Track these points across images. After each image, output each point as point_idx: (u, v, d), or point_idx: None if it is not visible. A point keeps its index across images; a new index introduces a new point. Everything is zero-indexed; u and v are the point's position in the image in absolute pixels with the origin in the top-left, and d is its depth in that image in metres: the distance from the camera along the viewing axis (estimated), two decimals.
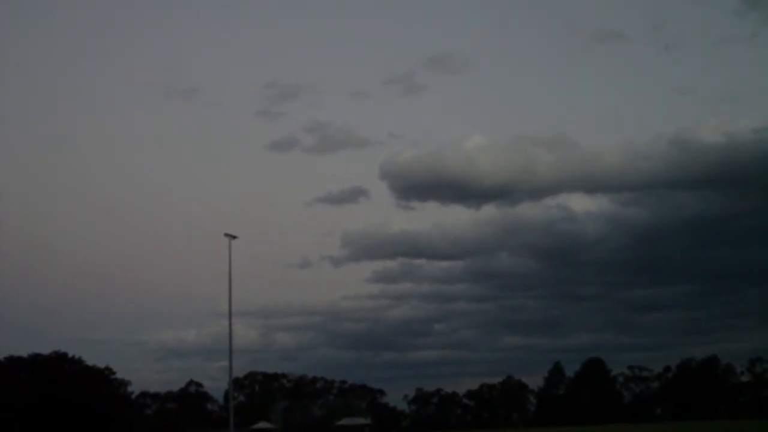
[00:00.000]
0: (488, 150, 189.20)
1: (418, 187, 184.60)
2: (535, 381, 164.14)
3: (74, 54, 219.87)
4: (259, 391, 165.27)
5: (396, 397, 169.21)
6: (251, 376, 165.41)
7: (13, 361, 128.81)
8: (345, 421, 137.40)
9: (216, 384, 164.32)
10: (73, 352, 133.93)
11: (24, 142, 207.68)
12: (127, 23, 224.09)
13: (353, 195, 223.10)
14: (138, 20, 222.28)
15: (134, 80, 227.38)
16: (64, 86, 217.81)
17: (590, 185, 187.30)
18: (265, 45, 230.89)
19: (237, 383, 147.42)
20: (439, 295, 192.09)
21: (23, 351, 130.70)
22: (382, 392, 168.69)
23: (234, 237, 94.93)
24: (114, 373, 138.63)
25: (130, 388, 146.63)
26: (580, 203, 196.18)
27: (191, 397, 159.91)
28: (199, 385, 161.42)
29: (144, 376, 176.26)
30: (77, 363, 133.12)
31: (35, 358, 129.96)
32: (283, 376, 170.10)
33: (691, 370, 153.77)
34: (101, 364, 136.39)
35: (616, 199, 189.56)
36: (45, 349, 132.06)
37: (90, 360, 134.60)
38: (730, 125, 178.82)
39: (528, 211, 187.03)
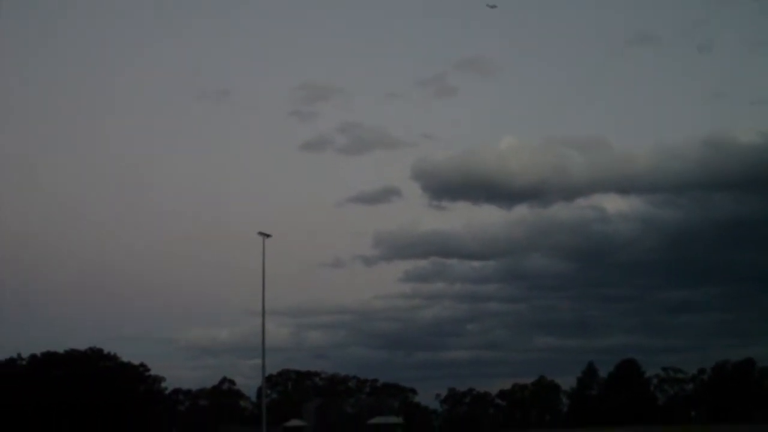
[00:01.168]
0: (520, 151, 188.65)
1: (450, 187, 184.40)
2: (567, 382, 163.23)
3: (106, 55, 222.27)
4: (292, 388, 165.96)
5: (428, 397, 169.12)
6: (284, 373, 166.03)
7: (50, 357, 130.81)
8: (377, 420, 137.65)
9: (249, 381, 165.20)
10: (108, 348, 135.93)
11: (61, 141, 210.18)
12: (157, 24, 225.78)
13: (385, 195, 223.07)
14: (168, 21, 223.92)
15: (166, 81, 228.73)
16: (95, 87, 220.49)
17: (623, 186, 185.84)
18: (296, 46, 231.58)
19: (270, 381, 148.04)
20: (471, 295, 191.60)
21: (60, 347, 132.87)
22: (414, 391, 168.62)
23: (268, 236, 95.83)
24: (148, 370, 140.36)
25: (164, 384, 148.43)
26: (613, 204, 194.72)
27: (224, 394, 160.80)
28: (232, 382, 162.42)
29: (178, 373, 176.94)
30: (113, 359, 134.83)
31: (71, 354, 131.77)
32: (316, 374, 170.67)
33: (726, 372, 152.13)
34: (136, 361, 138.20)
35: (650, 200, 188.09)
36: (81, 345, 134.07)
37: (125, 356, 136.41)
38: (766, 126, 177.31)
39: (560, 211, 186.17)
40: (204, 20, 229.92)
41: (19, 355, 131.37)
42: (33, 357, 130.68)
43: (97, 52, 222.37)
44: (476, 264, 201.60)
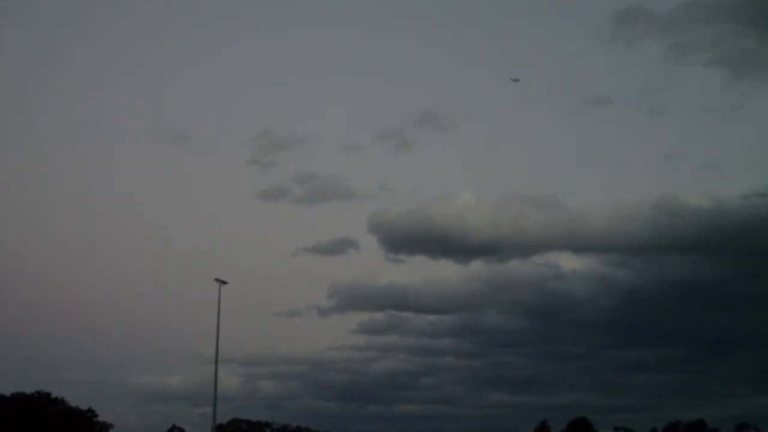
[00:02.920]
0: (477, 206, 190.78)
1: (407, 240, 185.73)
2: None
3: (66, 95, 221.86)
4: None
5: None
6: (234, 423, 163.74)
7: None
8: None
9: (198, 430, 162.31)
10: (56, 392, 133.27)
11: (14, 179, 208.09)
12: (119, 68, 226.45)
13: (342, 246, 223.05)
14: (130, 65, 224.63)
15: (126, 125, 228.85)
16: (53, 127, 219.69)
17: (578, 245, 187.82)
18: (258, 95, 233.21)
19: (220, 430, 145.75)
20: (425, 349, 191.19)
21: (5, 390, 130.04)
22: None
23: (224, 282, 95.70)
24: (96, 416, 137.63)
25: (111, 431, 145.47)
26: (567, 262, 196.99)
27: None
28: (181, 430, 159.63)
29: (126, 420, 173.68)
30: (60, 403, 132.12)
31: (18, 398, 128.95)
32: (267, 424, 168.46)
33: None
34: (84, 406, 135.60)
35: (604, 259, 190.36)
36: (28, 388, 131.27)
37: (73, 401, 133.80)
38: (717, 191, 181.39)
39: (517, 268, 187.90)
40: (168, 64, 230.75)
41: None
42: None
43: (56, 90, 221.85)
44: (432, 318, 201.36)
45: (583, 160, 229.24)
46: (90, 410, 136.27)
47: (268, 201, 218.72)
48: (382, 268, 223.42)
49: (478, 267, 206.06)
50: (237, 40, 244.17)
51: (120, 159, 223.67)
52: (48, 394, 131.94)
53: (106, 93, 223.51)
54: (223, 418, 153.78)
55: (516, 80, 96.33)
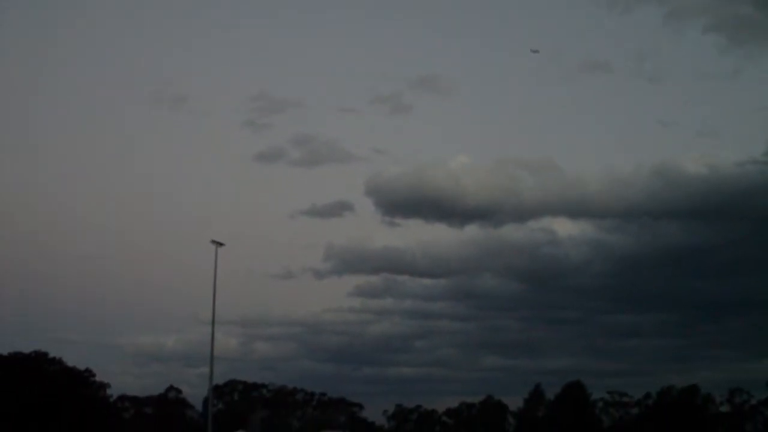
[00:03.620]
0: (472, 170, 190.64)
1: (403, 204, 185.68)
2: (515, 402, 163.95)
3: (61, 58, 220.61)
4: (239, 399, 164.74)
5: (375, 413, 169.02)
6: (231, 384, 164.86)
7: None
8: None
9: (195, 391, 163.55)
10: (53, 352, 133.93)
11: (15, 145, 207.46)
12: (116, 31, 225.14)
13: (338, 209, 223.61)
14: (128, 28, 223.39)
15: (122, 86, 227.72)
16: (51, 90, 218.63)
17: (574, 210, 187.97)
18: (255, 57, 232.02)
19: (217, 391, 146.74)
20: (420, 312, 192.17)
21: (3, 349, 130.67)
22: (361, 406, 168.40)
23: (221, 244, 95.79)
24: (93, 375, 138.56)
25: (109, 391, 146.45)
26: (563, 227, 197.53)
27: (170, 402, 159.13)
28: (178, 390, 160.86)
29: (123, 379, 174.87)
30: (58, 363, 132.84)
31: (15, 356, 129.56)
32: (263, 386, 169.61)
33: (671, 397, 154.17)
34: (81, 366, 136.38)
35: (600, 225, 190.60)
36: (25, 348, 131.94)
37: (70, 361, 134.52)
38: (713, 157, 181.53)
39: (512, 232, 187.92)
40: (165, 25, 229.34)
41: None
42: None
43: (52, 53, 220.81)
44: (427, 281, 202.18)
45: (580, 125, 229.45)
46: (87, 370, 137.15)
47: (264, 163, 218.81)
48: (377, 231, 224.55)
49: (473, 231, 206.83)
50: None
51: (115, 121, 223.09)
52: (45, 354, 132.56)
53: (101, 55, 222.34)
54: (220, 379, 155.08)
55: (536, 51, 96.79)
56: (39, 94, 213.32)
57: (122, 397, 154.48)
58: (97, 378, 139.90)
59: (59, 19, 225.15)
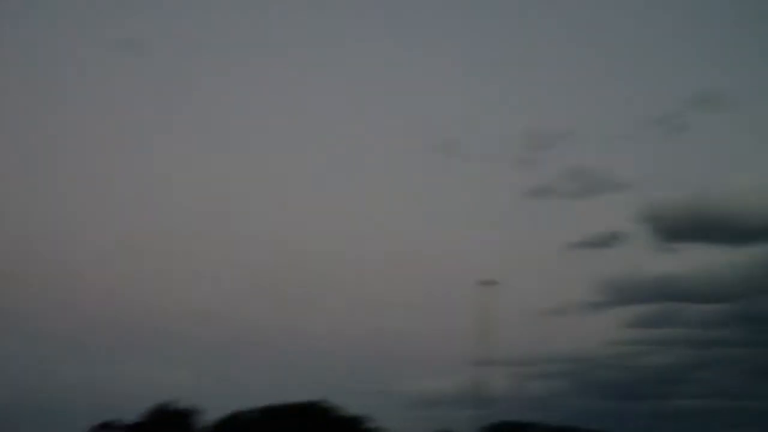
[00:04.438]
0: (755, 188, 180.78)
1: (679, 228, 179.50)
2: None
3: None
4: None
5: None
6: (500, 426, 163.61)
7: (272, 410, 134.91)
8: None
9: None
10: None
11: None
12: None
13: (610, 239, 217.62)
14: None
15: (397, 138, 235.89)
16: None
17: None
18: (519, 93, 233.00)
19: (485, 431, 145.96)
20: (701, 340, 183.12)
21: (274, 400, 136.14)
22: None
23: (494, 283, 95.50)
24: (373, 421, 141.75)
25: None
26: None
27: None
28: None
29: (398, 425, 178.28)
30: (335, 411, 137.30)
31: (293, 407, 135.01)
32: (534, 425, 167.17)
33: None
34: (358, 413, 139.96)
35: None
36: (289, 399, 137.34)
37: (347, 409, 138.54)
38: None
39: None
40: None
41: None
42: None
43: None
44: (708, 307, 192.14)
45: None
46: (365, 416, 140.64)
47: (537, 198, 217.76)
48: (652, 258, 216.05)
49: (757, 251, 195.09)
50: None
51: (388, 171, 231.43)
52: (319, 402, 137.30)
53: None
54: (489, 420, 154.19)
55: None
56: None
57: None
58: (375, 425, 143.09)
59: None
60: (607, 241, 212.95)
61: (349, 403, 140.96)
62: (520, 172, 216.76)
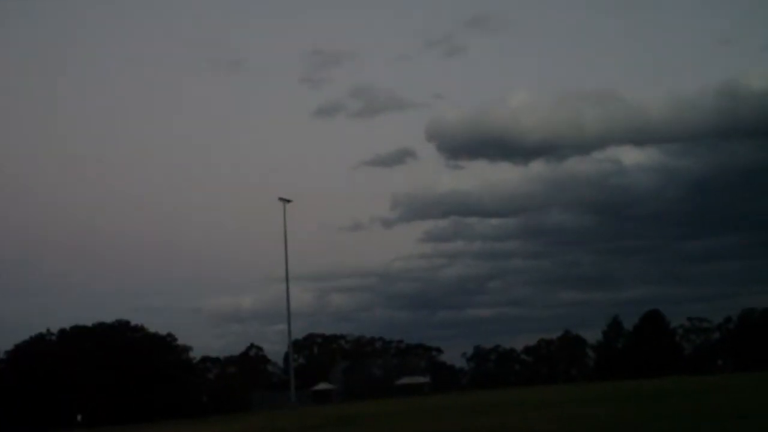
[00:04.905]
0: (533, 106, 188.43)
1: (465, 146, 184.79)
2: (593, 336, 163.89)
3: (117, 28, 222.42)
4: (318, 352, 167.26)
5: (454, 355, 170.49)
6: (310, 338, 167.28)
7: (78, 330, 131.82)
8: (405, 380, 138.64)
9: (275, 347, 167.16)
10: (135, 320, 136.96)
11: (71, 118, 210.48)
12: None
13: (400, 157, 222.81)
14: None
15: (182, 54, 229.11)
16: (109, 58, 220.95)
17: (638, 138, 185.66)
18: (304, 12, 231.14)
19: (296, 345, 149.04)
20: (492, 252, 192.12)
21: (87, 320, 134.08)
22: (439, 350, 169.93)
23: (288, 201, 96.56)
24: (176, 339, 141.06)
25: (191, 354, 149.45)
26: (629, 156, 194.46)
27: (252, 360, 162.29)
28: (259, 348, 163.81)
29: (204, 341, 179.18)
30: (140, 330, 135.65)
31: (99, 327, 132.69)
32: (341, 337, 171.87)
33: (752, 320, 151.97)
34: (163, 332, 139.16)
35: (666, 150, 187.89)
36: (108, 318, 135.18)
37: (152, 327, 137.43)
38: None
39: (577, 165, 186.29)
40: None
41: (48, 330, 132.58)
42: (62, 331, 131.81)
43: (108, 22, 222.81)
44: (496, 221, 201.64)
45: (638, 50, 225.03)
46: (169, 335, 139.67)
47: (324, 117, 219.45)
48: (442, 175, 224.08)
49: (538, 167, 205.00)
50: None
51: (176, 88, 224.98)
52: (128, 322, 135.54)
53: (158, 24, 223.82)
54: (298, 334, 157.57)
55: None
56: (93, 64, 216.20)
57: (205, 359, 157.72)
58: (179, 342, 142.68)
59: None
60: (397, 159, 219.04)
61: (154, 322, 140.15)
62: (307, 90, 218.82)
